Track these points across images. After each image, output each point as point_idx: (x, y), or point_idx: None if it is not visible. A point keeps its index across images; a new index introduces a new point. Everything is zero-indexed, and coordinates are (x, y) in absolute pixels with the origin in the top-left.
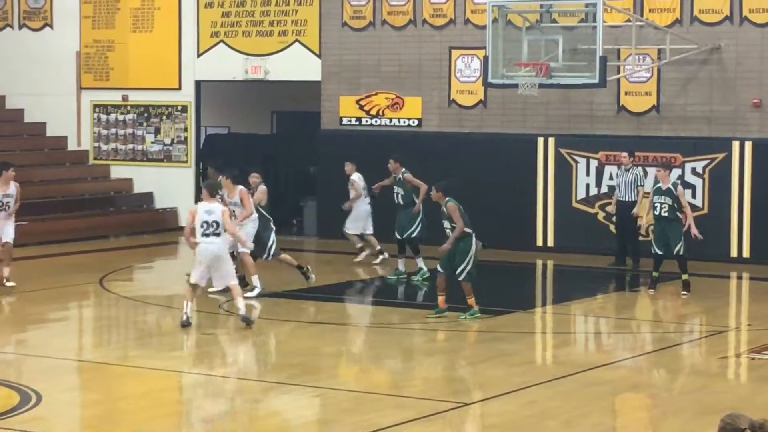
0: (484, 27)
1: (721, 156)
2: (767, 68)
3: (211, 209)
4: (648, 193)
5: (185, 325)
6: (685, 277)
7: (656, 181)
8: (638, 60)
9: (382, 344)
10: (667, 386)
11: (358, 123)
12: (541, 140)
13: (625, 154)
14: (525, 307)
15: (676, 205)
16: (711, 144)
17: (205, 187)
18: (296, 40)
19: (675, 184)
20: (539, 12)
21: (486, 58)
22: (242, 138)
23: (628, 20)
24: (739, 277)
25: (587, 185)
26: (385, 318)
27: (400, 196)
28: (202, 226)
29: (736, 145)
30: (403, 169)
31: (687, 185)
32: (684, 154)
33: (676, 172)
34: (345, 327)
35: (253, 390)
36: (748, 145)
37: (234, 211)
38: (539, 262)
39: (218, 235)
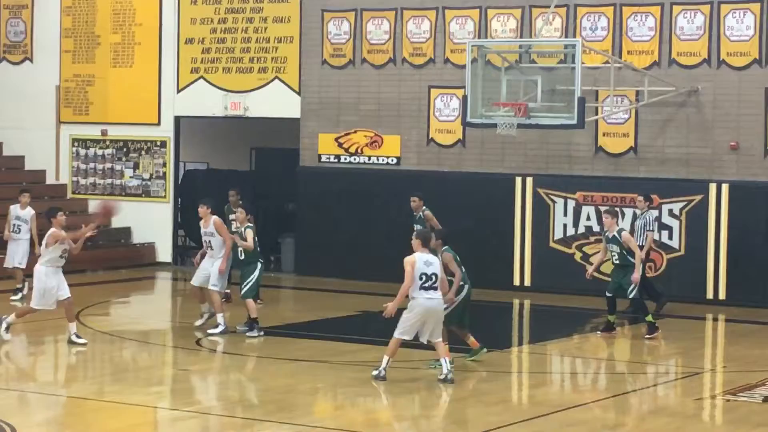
0: (463, 66)
1: (698, 198)
2: (744, 111)
3: None
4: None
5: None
6: (649, 318)
7: (604, 229)
8: (616, 101)
9: (358, 382)
10: (642, 427)
11: (336, 160)
12: (519, 180)
13: (640, 198)
14: (501, 347)
15: (625, 252)
16: (688, 186)
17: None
18: (276, 77)
19: (620, 231)
20: (518, 52)
21: (465, 97)
22: (221, 174)
23: (607, 62)
24: (715, 319)
25: (564, 225)
26: (361, 355)
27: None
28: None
29: (713, 187)
30: (424, 207)
31: (664, 226)
32: (661, 195)
33: (653, 213)
34: (321, 364)
35: (229, 426)
36: (725, 187)
37: (209, 242)
38: (516, 302)
39: None
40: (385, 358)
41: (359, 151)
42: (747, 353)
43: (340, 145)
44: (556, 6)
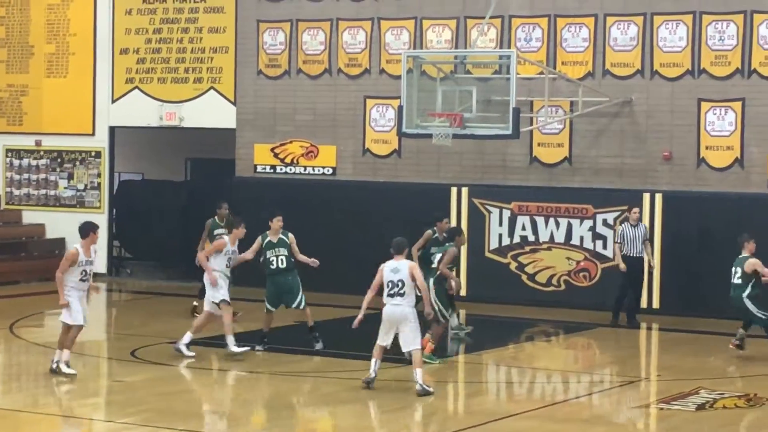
0: (398, 77)
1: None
2: (677, 121)
3: None
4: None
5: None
6: None
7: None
8: (551, 112)
9: (296, 392)
10: None
11: (272, 171)
12: (454, 190)
13: (636, 209)
14: (438, 357)
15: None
16: (622, 196)
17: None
18: (211, 88)
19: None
20: (454, 63)
21: (400, 107)
22: (156, 184)
23: (541, 72)
24: (649, 328)
25: (500, 235)
26: (299, 366)
27: (435, 256)
28: None
29: (646, 197)
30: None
31: (598, 236)
32: (595, 205)
33: (587, 223)
34: (259, 375)
35: None
36: (658, 197)
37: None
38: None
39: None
40: (372, 360)
41: (295, 161)
42: (681, 362)
43: (275, 155)
44: (491, 17)
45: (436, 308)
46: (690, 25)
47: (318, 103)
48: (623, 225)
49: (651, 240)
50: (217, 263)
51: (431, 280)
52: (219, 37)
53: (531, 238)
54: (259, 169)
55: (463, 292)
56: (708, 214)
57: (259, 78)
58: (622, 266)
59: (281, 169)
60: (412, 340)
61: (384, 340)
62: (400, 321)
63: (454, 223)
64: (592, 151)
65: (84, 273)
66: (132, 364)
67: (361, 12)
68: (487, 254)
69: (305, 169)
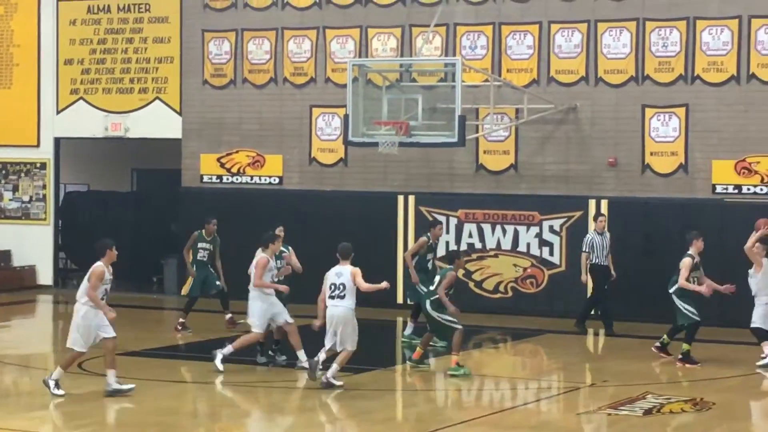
0: (344, 85)
1: (577, 214)
2: (622, 128)
3: None
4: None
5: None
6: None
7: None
8: (496, 119)
9: (244, 403)
10: None
11: (219, 181)
12: (401, 198)
13: (603, 217)
14: (386, 365)
15: None
16: (568, 202)
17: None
18: (157, 98)
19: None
20: (399, 71)
21: (346, 116)
22: (102, 196)
23: (487, 80)
24: (596, 334)
25: (447, 243)
26: (246, 377)
27: (431, 262)
28: None
29: (592, 203)
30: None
31: (545, 243)
32: (542, 212)
33: (533, 230)
34: (205, 386)
35: None
36: (604, 203)
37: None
38: (400, 320)
39: None
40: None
41: (241, 171)
42: (627, 367)
43: (222, 165)
44: (436, 25)
45: (444, 322)
46: (633, 32)
47: (264, 112)
48: (590, 234)
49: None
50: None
51: (427, 303)
52: (164, 47)
53: (478, 245)
54: (205, 179)
55: (411, 300)
56: (653, 219)
57: (205, 88)
58: (584, 278)
59: (228, 179)
60: (346, 340)
61: (330, 341)
62: (340, 322)
63: (400, 232)
64: (538, 158)
65: (105, 291)
66: (80, 376)
67: (306, 21)
68: (435, 262)
69: (252, 179)
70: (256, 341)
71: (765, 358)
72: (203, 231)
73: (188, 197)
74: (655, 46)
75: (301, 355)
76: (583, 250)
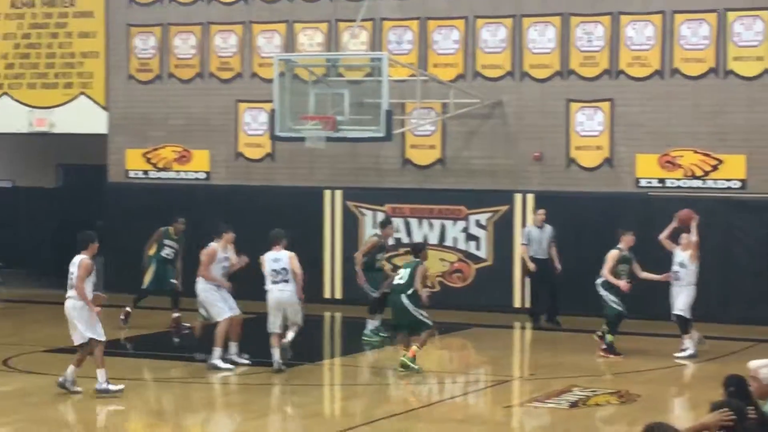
0: (271, 80)
1: (503, 208)
2: (548, 122)
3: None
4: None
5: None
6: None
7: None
8: (423, 114)
9: (171, 399)
10: None
11: (145, 176)
12: (328, 193)
13: (542, 211)
14: (313, 360)
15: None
16: (494, 196)
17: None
18: (82, 93)
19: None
20: (326, 66)
21: (273, 111)
22: (27, 192)
23: (413, 75)
24: (523, 327)
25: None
26: (172, 372)
27: (382, 261)
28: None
29: (518, 197)
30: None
31: (471, 237)
32: (468, 206)
33: (460, 224)
34: (131, 382)
35: None
36: (530, 197)
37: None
38: (327, 315)
39: None
40: (273, 351)
41: (168, 166)
42: (554, 360)
43: (148, 160)
44: (362, 20)
45: (421, 318)
46: (559, 26)
47: (190, 107)
48: (528, 227)
49: (512, 240)
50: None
51: (403, 297)
52: (89, 42)
53: (405, 239)
54: (131, 174)
55: (338, 295)
56: (579, 213)
57: (131, 83)
58: (531, 266)
59: (154, 174)
60: (296, 318)
61: (275, 326)
62: (288, 304)
63: (327, 227)
64: (465, 152)
65: (93, 285)
66: (5, 373)
67: (232, 16)
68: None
69: (178, 174)
70: (228, 327)
71: (686, 350)
72: (171, 229)
73: (114, 193)
74: (579, 41)
75: (217, 352)
76: (522, 242)
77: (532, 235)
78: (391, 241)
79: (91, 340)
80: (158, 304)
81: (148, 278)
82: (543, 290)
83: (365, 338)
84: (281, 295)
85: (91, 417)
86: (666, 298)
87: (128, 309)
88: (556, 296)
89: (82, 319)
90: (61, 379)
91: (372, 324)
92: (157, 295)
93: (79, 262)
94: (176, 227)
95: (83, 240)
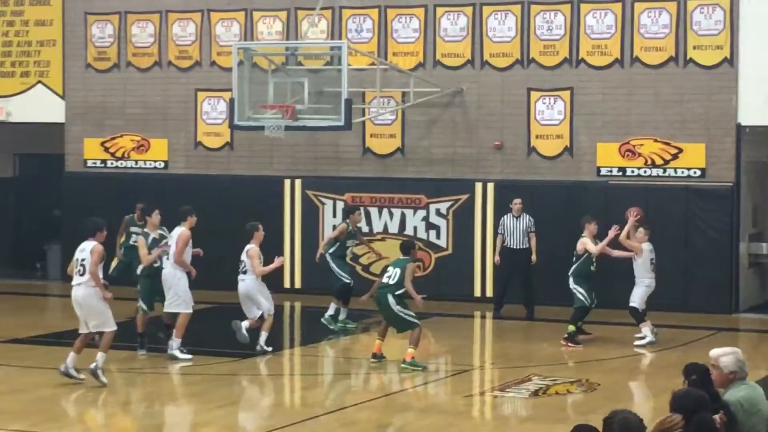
0: (230, 69)
1: (464, 197)
2: (508, 111)
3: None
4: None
5: None
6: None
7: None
8: (383, 103)
9: (128, 389)
10: (413, 425)
11: (103, 165)
12: (288, 182)
13: (518, 200)
14: (273, 350)
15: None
16: (454, 185)
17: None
18: (39, 81)
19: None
20: (285, 54)
21: (232, 100)
22: None
23: (373, 63)
24: (483, 317)
25: (334, 227)
26: (129, 363)
27: (351, 249)
28: None
29: (479, 186)
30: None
31: (432, 226)
32: (429, 195)
33: (420, 213)
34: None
35: None
36: (490, 186)
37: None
38: (287, 304)
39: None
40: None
41: (126, 155)
42: (514, 350)
43: (106, 149)
44: (322, 8)
45: (406, 318)
46: (519, 15)
47: (149, 96)
48: (505, 216)
49: (484, 229)
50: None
51: (389, 297)
52: (46, 30)
53: (365, 229)
54: (89, 163)
55: (297, 285)
56: (539, 202)
57: (88, 71)
58: (496, 259)
59: (112, 164)
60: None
61: (249, 313)
62: (251, 294)
63: (287, 216)
64: (425, 141)
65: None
66: None
67: (190, 4)
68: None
69: (137, 163)
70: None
71: (644, 338)
72: (134, 216)
73: (72, 182)
74: (540, 29)
75: (175, 343)
76: (499, 232)
77: (506, 224)
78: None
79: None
80: (125, 294)
81: (113, 265)
82: (518, 281)
83: (326, 322)
84: (240, 286)
85: (49, 407)
86: (630, 286)
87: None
88: (532, 287)
89: (95, 310)
90: (62, 367)
91: (344, 313)
92: (123, 285)
93: (91, 248)
94: (139, 214)
95: (92, 228)
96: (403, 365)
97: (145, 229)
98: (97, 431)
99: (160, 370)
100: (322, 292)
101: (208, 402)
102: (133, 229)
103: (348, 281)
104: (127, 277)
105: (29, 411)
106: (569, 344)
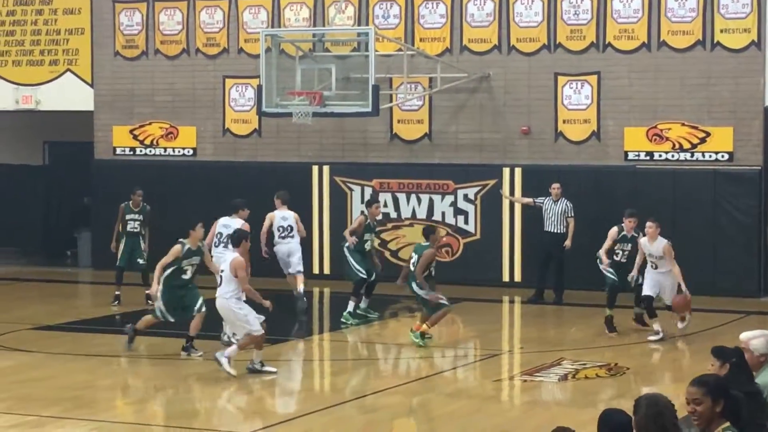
0: (257, 56)
1: (491, 182)
2: (534, 96)
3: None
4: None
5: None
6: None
7: (621, 229)
8: (410, 88)
9: (160, 375)
10: (442, 410)
11: (132, 153)
12: (315, 168)
13: (556, 185)
14: (302, 335)
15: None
16: (482, 171)
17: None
18: (68, 70)
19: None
20: (312, 41)
21: (260, 87)
22: (13, 169)
23: (400, 49)
24: (511, 301)
25: (361, 212)
26: (161, 349)
27: (369, 243)
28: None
29: (506, 171)
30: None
31: (460, 211)
32: (456, 181)
33: (448, 199)
34: (119, 359)
35: (27, 425)
36: (517, 171)
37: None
38: (316, 290)
39: None
40: None
41: (154, 143)
42: (542, 334)
43: (135, 137)
44: None
45: (437, 302)
46: (545, 0)
47: (177, 83)
48: (545, 198)
49: (512, 214)
50: None
51: (413, 284)
52: (74, 18)
53: (393, 214)
54: (118, 151)
55: (326, 271)
56: (566, 187)
57: (116, 59)
58: (518, 199)
59: (141, 151)
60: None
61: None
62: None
63: (315, 202)
64: (452, 127)
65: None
66: None
67: None
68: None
69: (165, 151)
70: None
71: (658, 333)
72: (130, 202)
73: (101, 170)
74: (566, 14)
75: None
76: (537, 201)
77: (544, 207)
78: (379, 217)
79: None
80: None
81: (120, 255)
82: (551, 265)
83: (346, 319)
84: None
85: (80, 393)
86: None
87: (117, 293)
88: (563, 271)
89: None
90: (249, 365)
91: (365, 302)
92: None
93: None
94: (134, 199)
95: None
96: (412, 334)
97: (185, 240)
98: (128, 417)
99: (191, 355)
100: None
101: (240, 388)
102: (129, 216)
103: (364, 276)
104: (130, 265)
105: (60, 397)
106: (607, 330)
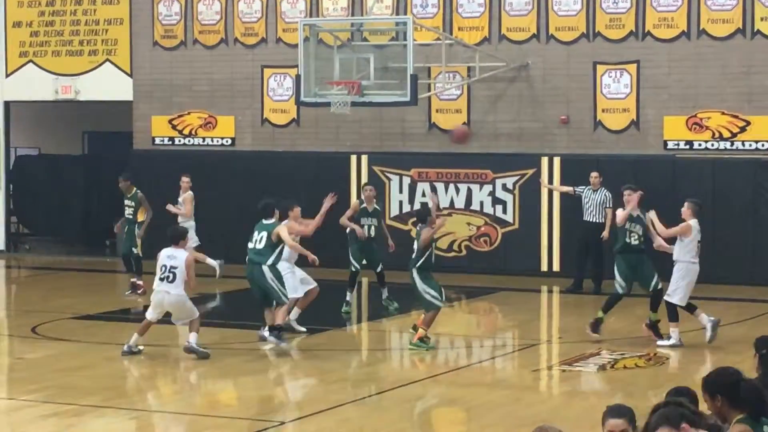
0: (295, 46)
1: (530, 172)
2: (573, 85)
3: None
4: None
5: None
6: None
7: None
8: (448, 78)
9: (199, 365)
10: (481, 400)
11: (170, 143)
12: (354, 158)
13: (595, 174)
14: (340, 325)
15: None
16: (520, 160)
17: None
18: (107, 60)
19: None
20: (350, 30)
21: (298, 76)
22: (53, 159)
23: (438, 39)
24: (550, 291)
25: (400, 202)
26: (201, 338)
27: (372, 228)
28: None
29: (545, 160)
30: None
31: (498, 201)
32: (494, 170)
33: (486, 188)
34: (160, 348)
35: (67, 414)
36: (556, 160)
37: None
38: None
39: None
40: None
41: (193, 132)
42: (581, 324)
43: (173, 127)
44: None
45: (428, 298)
46: None
47: (215, 73)
48: (585, 187)
49: (550, 204)
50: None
51: (414, 271)
52: (113, 8)
53: (431, 204)
54: (157, 141)
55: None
56: (605, 176)
57: (155, 49)
58: (558, 187)
59: (180, 141)
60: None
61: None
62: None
63: (353, 192)
64: (490, 116)
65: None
66: (33, 340)
67: None
68: (388, 221)
69: (204, 140)
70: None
71: (670, 338)
72: (121, 188)
73: (140, 159)
74: (605, 2)
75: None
76: (576, 190)
77: (585, 194)
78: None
79: None
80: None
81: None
82: (589, 255)
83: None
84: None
85: (120, 383)
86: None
87: (136, 282)
88: (602, 261)
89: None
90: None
91: (384, 292)
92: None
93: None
94: (124, 185)
95: (285, 207)
96: (410, 346)
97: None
98: (167, 406)
99: (229, 345)
100: (388, 267)
101: (279, 377)
102: (125, 202)
103: (354, 269)
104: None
105: (100, 386)
106: (650, 331)
